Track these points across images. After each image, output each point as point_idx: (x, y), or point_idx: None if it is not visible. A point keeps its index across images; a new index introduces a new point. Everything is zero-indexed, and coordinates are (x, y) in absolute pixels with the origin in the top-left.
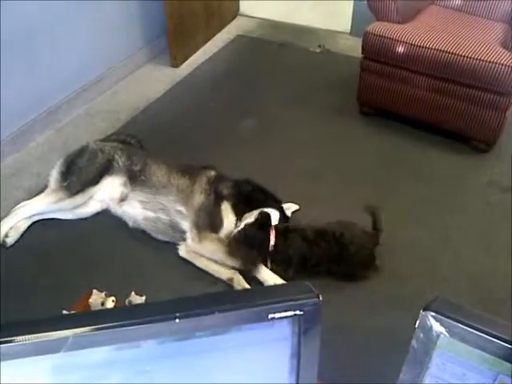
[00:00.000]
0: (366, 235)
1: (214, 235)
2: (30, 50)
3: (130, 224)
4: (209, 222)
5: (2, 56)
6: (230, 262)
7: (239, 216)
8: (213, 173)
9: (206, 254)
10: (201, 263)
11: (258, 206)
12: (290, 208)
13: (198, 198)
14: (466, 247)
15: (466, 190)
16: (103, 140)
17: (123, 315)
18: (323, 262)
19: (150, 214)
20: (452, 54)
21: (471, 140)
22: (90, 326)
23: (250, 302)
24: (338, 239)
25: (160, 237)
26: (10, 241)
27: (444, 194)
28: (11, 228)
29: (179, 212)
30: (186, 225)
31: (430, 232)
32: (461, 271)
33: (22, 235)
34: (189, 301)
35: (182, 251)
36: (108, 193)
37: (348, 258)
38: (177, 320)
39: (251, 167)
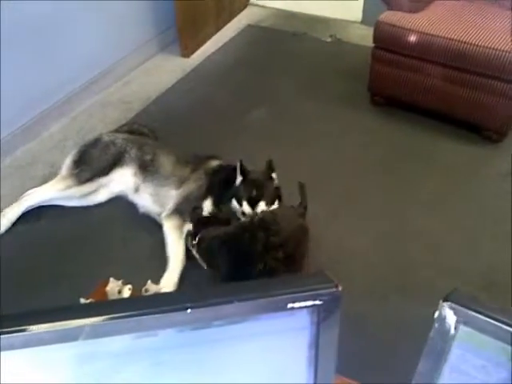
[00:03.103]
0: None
1: (181, 222)
2: (44, 40)
3: (141, 211)
4: (185, 211)
5: (16, 46)
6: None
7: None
8: (215, 162)
9: (166, 232)
10: None
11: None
12: None
13: (190, 186)
14: (479, 238)
15: (479, 180)
16: (116, 130)
17: (144, 304)
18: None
19: (157, 209)
20: (464, 42)
21: (483, 130)
22: (110, 314)
23: (269, 292)
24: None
25: None
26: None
27: (456, 184)
28: (3, 216)
29: (172, 198)
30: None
31: (441, 222)
32: (473, 261)
33: (14, 223)
34: (208, 290)
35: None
36: (123, 183)
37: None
38: (196, 309)
39: (261, 157)
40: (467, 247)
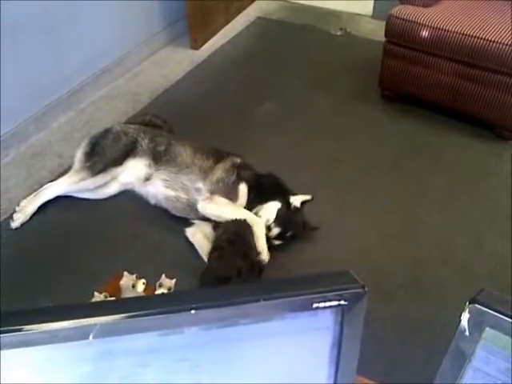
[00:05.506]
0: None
1: (226, 200)
2: (53, 31)
3: (152, 202)
4: (224, 191)
5: (25, 37)
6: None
7: (248, 202)
8: (238, 160)
9: (215, 213)
10: (200, 247)
11: (267, 198)
12: (297, 199)
13: (219, 174)
14: (488, 235)
15: (490, 178)
16: (129, 121)
17: (170, 301)
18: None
19: (171, 193)
20: (477, 38)
21: (495, 127)
22: (137, 311)
23: (295, 291)
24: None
25: (178, 214)
26: (16, 224)
27: (466, 181)
28: (20, 211)
29: (198, 190)
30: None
31: (450, 219)
32: (482, 259)
33: (30, 218)
34: (234, 288)
35: (189, 233)
36: (133, 174)
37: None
38: (223, 307)
39: (270, 151)
40: (476, 244)
